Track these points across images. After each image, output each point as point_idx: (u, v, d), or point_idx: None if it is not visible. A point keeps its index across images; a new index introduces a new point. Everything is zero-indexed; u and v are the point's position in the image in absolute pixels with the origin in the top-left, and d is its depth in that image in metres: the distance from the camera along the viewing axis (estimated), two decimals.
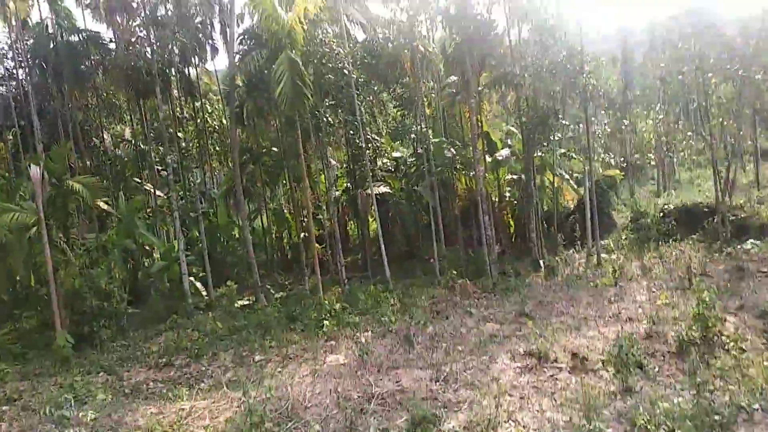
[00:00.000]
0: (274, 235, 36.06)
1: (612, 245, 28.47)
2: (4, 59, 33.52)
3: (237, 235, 36.89)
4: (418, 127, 32.93)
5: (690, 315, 14.53)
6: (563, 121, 27.86)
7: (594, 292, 20.14)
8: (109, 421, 12.26)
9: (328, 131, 25.66)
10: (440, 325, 17.90)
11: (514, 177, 32.31)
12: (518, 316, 18.02)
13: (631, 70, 54.73)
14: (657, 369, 12.62)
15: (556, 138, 27.56)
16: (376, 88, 29.40)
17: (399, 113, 34.86)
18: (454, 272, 26.44)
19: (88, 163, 37.76)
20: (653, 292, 19.63)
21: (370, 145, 31.47)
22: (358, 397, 11.87)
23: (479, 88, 27.49)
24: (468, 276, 26.04)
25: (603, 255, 26.58)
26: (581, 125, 27.67)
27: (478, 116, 25.47)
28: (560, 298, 19.69)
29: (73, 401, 12.94)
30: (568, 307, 18.39)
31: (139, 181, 35.45)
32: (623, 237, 29.81)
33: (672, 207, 28.67)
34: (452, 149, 26.55)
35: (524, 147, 29.21)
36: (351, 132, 25.51)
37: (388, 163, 36.42)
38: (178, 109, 41.56)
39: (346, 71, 25.20)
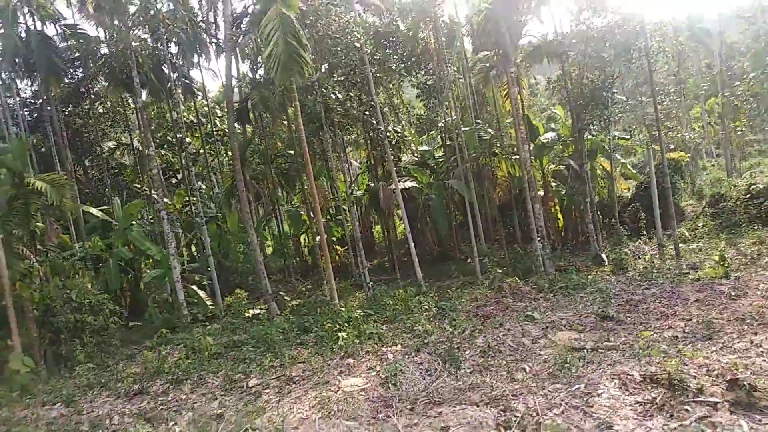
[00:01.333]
0: (290, 239, 31.58)
1: (686, 234, 23.21)
2: None
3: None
4: (445, 115, 28.36)
5: None
6: (618, 95, 22.84)
7: (699, 287, 15.00)
8: None
9: (340, 113, 21.10)
10: (493, 335, 13.07)
11: (562, 165, 27.31)
12: (601, 320, 13.06)
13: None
14: None
15: (611, 116, 22.53)
16: (394, 67, 24.81)
17: (422, 102, 30.28)
18: (499, 271, 21.59)
19: (90, 171, 34.33)
20: None
21: (390, 135, 26.93)
22: None
23: (517, 61, 22.62)
24: (516, 274, 21.18)
25: (680, 245, 21.38)
26: (642, 98, 22.63)
27: (519, 92, 20.67)
28: (653, 296, 14.58)
29: None
30: (672, 306, 13.31)
31: (138, 186, 31.30)
32: (700, 224, 24.46)
33: (762, 186, 23.23)
34: (489, 130, 21.65)
35: (573, 129, 24.30)
36: (367, 113, 20.93)
37: (414, 159, 31.83)
38: (185, 112, 37.97)
39: (357, 44, 20.74)
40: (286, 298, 23.04)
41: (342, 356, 13.35)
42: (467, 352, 12.13)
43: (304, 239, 32.64)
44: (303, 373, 12.66)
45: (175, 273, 19.74)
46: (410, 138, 30.65)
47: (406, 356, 12.54)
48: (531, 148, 25.37)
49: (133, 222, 27.08)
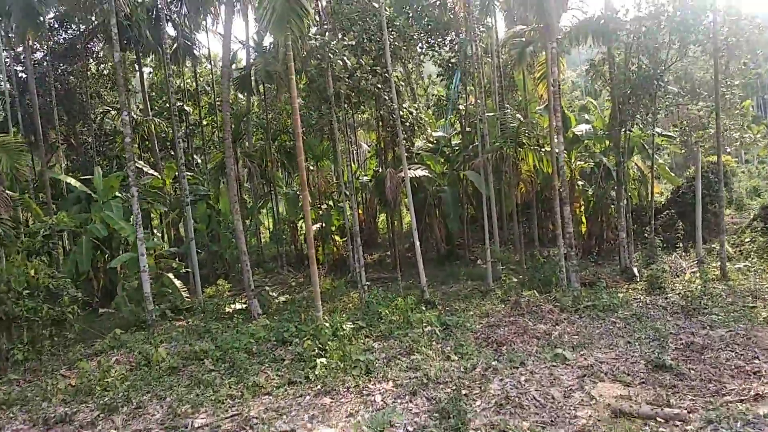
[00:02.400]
0: (287, 225, 28.54)
1: (730, 250, 19.90)
2: None
3: (248, 224, 29.67)
4: (467, 98, 25.06)
5: None
6: (670, 86, 19.42)
7: None
8: None
9: (348, 84, 17.82)
10: (513, 379, 9.97)
11: (591, 162, 23.99)
12: (654, 369, 9.90)
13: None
14: None
15: (659, 109, 19.15)
16: (416, 37, 21.50)
17: (442, 81, 26.92)
18: (514, 280, 18.47)
19: (82, 137, 31.34)
20: None
21: (404, 115, 23.71)
22: None
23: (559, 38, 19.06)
24: (535, 286, 18.07)
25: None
26: (701, 90, 19.15)
27: (557, 74, 17.19)
28: (721, 340, 11.25)
29: None
30: (750, 359, 10.09)
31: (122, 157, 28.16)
32: (747, 239, 21.13)
33: None
34: (519, 116, 18.27)
35: (611, 122, 20.95)
36: (379, 86, 17.65)
37: (429, 145, 28.58)
38: (189, 79, 34.86)
39: (376, 3, 17.46)
40: (272, 294, 20.03)
41: (318, 391, 10.34)
42: (477, 403, 9.08)
43: (302, 226, 29.58)
44: (265, 412, 9.67)
45: (141, 260, 16.76)
46: (426, 120, 27.31)
47: (399, 400, 9.52)
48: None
49: (117, 195, 24.19)
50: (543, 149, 19.23)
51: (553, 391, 9.25)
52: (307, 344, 12.34)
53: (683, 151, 26.83)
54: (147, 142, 30.61)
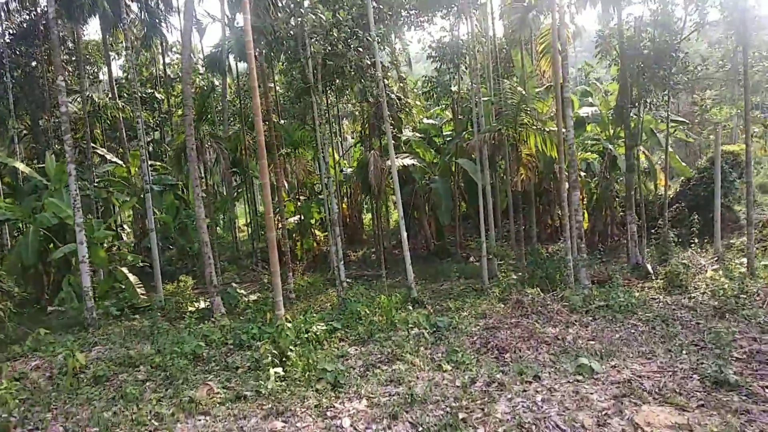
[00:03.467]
0: (260, 220, 25.91)
1: (744, 247, 17.54)
2: None
3: (222, 218, 27.06)
4: (460, 80, 22.64)
5: None
6: (685, 63, 17.07)
7: None
8: None
9: (325, 50, 15.27)
10: (523, 395, 7.45)
11: (594, 151, 21.65)
12: (714, 387, 7.42)
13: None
14: None
15: (675, 86, 16.79)
16: (404, 13, 19.09)
17: (433, 64, 24.45)
18: (514, 277, 15.99)
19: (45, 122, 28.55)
20: None
21: (390, 97, 21.26)
22: None
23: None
24: (537, 284, 15.64)
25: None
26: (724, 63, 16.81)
27: (564, 36, 14.79)
28: None
29: None
30: None
31: (82, 144, 25.33)
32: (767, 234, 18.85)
33: None
34: (520, 89, 15.73)
35: (618, 105, 18.65)
36: (360, 49, 15.08)
37: (417, 135, 26.11)
38: (164, 66, 32.16)
39: None
40: (240, 291, 17.43)
41: (269, 411, 7.77)
42: None
43: (278, 219, 27.01)
44: None
45: (80, 250, 14.06)
46: (414, 105, 24.86)
47: (374, 426, 6.98)
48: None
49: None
50: (547, 130, 16.80)
51: (582, 416, 6.74)
52: (263, 349, 9.78)
53: (691, 139, 24.53)
54: (114, 129, 27.97)
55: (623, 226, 22.52)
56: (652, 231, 19.57)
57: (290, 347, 9.55)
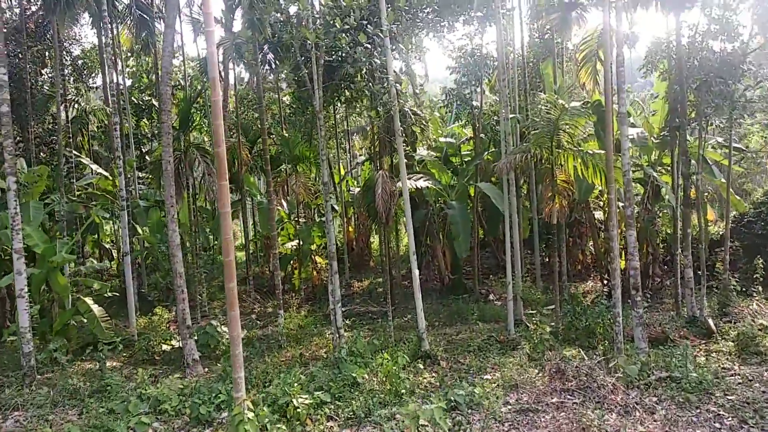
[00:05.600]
0: (261, 242, 23.17)
1: None
2: None
3: (210, 237, 24.34)
4: (481, 93, 19.79)
5: None
6: (757, 78, 14.19)
7: None
8: None
9: (326, 51, 12.54)
10: None
11: (633, 177, 18.58)
12: None
13: None
14: None
15: (742, 107, 13.84)
16: (422, 16, 16.35)
17: (452, 75, 21.65)
18: (547, 329, 13.01)
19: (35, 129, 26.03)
20: None
21: (402, 107, 18.51)
22: None
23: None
24: (576, 341, 12.70)
25: None
26: None
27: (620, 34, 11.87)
28: None
29: None
30: None
31: (70, 150, 22.55)
32: None
33: None
34: (561, 102, 12.80)
35: (669, 122, 15.78)
36: (368, 45, 12.30)
37: (433, 155, 23.21)
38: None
39: None
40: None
41: None
42: None
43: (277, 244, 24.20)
44: None
45: (18, 281, 11.23)
46: (431, 119, 22.08)
47: None
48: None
49: (49, 196, 19.03)
50: (590, 152, 13.89)
51: None
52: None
53: (742, 168, 21.52)
54: (105, 137, 25.46)
55: (665, 266, 19.48)
56: (716, 276, 16.52)
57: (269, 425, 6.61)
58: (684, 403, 9.17)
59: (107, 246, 27.25)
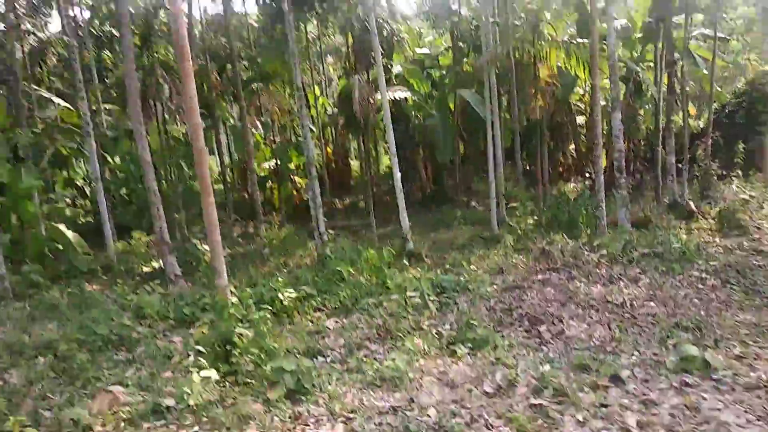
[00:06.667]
0: (236, 166, 22.56)
1: None
2: None
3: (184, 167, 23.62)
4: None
5: None
6: None
7: None
8: None
9: None
10: (603, 413, 4.40)
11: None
12: None
13: None
14: None
15: None
16: None
17: None
18: (530, 222, 12.94)
19: None
20: None
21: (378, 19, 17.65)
22: None
23: None
24: (559, 228, 12.69)
25: None
26: None
27: None
28: None
29: None
30: None
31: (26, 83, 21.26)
32: None
33: None
34: None
35: (651, 16, 15.26)
36: None
37: (410, 67, 22.40)
38: None
39: None
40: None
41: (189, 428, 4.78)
42: None
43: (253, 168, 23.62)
44: None
45: None
46: (408, 31, 21.23)
47: None
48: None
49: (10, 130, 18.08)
50: (574, 41, 13.40)
51: None
52: (198, 335, 6.73)
53: (725, 62, 21.12)
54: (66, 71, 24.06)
55: (647, 161, 19.44)
56: (689, 164, 16.48)
57: (237, 331, 6.45)
58: (667, 271, 9.21)
59: (79, 184, 26.52)
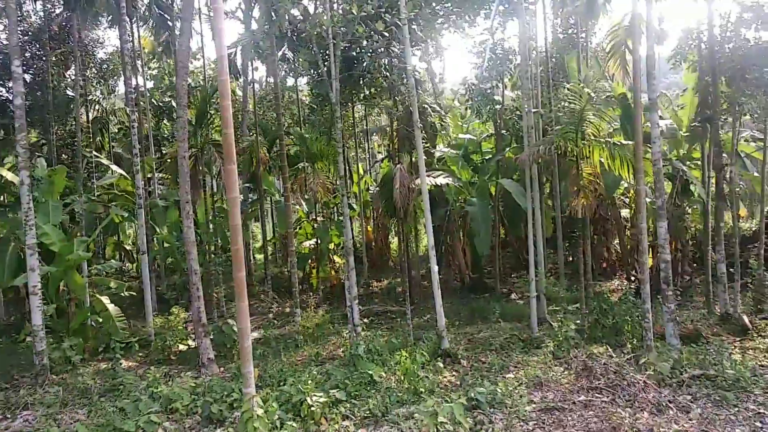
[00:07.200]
0: (279, 241, 22.92)
1: None
2: None
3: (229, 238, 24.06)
4: (503, 89, 19.29)
5: None
6: None
7: None
8: None
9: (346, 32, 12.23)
10: None
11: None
12: None
13: None
14: None
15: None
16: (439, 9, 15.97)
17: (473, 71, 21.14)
18: (572, 327, 12.42)
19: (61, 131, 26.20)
20: None
21: (422, 104, 18.14)
22: None
23: None
24: (603, 338, 12.15)
25: None
26: None
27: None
28: None
29: None
30: None
31: (89, 151, 22.48)
32: None
33: None
34: (587, 90, 12.25)
35: (697, 116, 15.16)
36: (386, 34, 11.94)
37: (453, 152, 22.76)
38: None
39: None
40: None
41: None
42: None
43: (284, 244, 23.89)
44: None
45: (31, 278, 11.11)
46: (451, 116, 21.64)
47: None
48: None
49: (69, 196, 19.00)
50: (617, 143, 13.34)
51: None
52: None
53: None
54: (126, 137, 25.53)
55: (695, 263, 18.73)
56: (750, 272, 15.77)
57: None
58: (721, 401, 8.60)
59: (128, 248, 27.37)
